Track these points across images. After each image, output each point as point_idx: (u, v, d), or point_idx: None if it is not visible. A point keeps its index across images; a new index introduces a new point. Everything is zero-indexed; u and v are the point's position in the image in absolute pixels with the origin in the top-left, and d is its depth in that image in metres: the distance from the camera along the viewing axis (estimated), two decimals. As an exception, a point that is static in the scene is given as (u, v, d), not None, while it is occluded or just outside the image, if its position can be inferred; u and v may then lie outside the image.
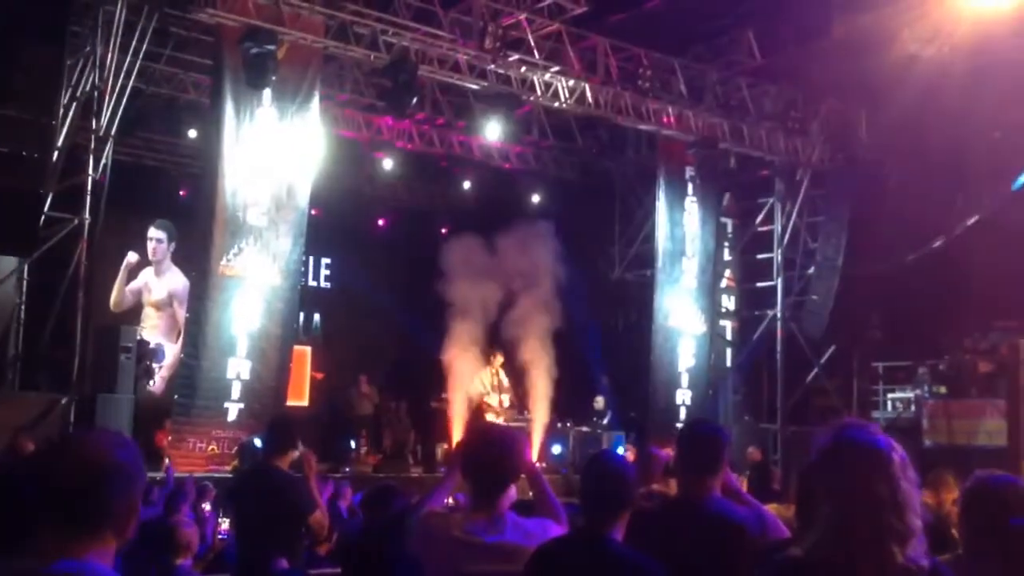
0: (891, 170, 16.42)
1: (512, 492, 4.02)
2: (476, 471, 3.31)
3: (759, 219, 17.92)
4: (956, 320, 15.67)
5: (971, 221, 15.57)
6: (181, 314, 13.15)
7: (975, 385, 14.79)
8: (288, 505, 5.48)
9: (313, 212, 13.02)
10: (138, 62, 12.08)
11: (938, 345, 15.71)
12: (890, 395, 16.54)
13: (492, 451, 3.28)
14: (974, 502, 3.07)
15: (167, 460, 10.72)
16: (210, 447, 11.48)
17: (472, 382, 14.78)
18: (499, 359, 15.08)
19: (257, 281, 11.91)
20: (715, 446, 3.61)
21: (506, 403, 15.06)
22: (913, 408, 15.74)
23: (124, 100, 12.01)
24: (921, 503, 2.41)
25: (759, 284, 17.83)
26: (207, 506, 8.89)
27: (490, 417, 14.40)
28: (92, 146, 11.79)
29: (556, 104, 14.58)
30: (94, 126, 11.84)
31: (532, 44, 13.62)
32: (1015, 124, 14.54)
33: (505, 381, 15.09)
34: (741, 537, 3.38)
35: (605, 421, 16.33)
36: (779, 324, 17.08)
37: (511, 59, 13.48)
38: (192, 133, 15.07)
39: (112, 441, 1.98)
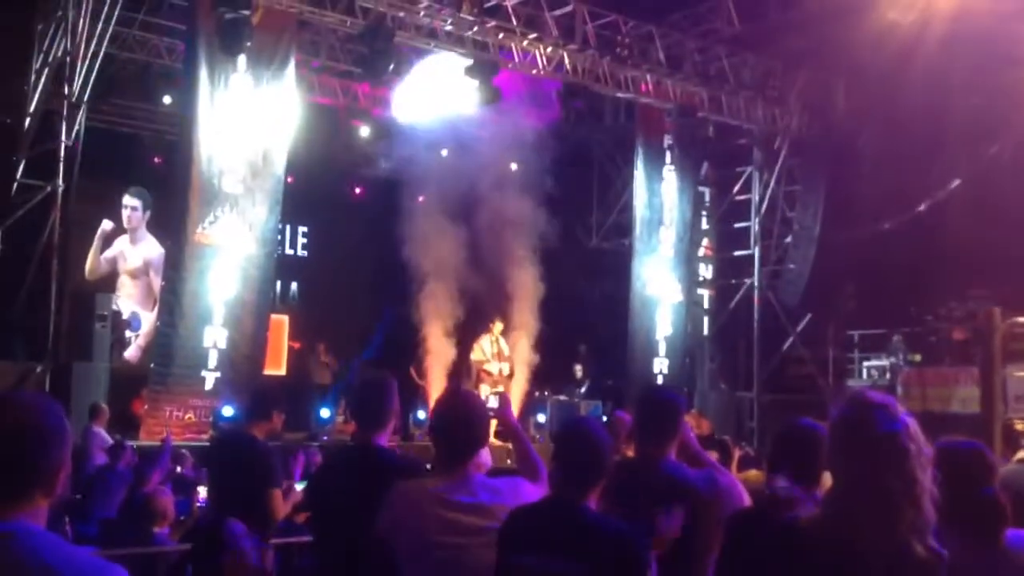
0: (868, 138, 16.46)
1: (485, 457, 4.04)
2: (444, 436, 3.33)
3: (737, 188, 17.95)
4: (932, 288, 15.78)
5: (948, 189, 15.65)
6: (157, 282, 13.09)
7: (949, 353, 14.93)
8: (258, 474, 5.47)
9: (289, 180, 12.93)
10: (110, 27, 11.92)
11: (913, 313, 15.83)
12: (865, 363, 16.67)
13: (459, 416, 3.30)
14: (942, 470, 3.07)
15: (166, 430, 10.63)
16: (187, 415, 11.44)
17: (472, 349, 14.48)
18: (499, 326, 14.73)
19: (233, 249, 11.84)
20: (670, 411, 3.68)
21: (506, 371, 14.65)
22: (888, 376, 15.87)
23: (97, 66, 11.86)
24: None
25: (736, 253, 17.89)
26: (180, 471, 8.89)
27: (486, 387, 14.06)
28: (65, 112, 11.66)
29: (534, 71, 14.51)
30: (67, 92, 11.69)
31: (510, 11, 13.54)
32: (991, 91, 14.58)
33: (506, 349, 14.74)
34: (690, 499, 3.40)
35: (583, 389, 16.41)
36: (756, 293, 17.16)
37: (488, 25, 13.39)
38: (167, 99, 14.91)
39: (30, 404, 1.97)
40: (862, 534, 2.22)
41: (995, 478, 2.98)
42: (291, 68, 12.47)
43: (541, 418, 15.43)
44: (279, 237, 13.76)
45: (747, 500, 3.50)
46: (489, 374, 14.47)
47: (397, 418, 4.00)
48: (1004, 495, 3.26)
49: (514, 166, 18.19)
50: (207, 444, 10.48)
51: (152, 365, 11.80)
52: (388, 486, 3.35)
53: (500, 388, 14.07)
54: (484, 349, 14.53)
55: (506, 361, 14.60)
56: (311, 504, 4.26)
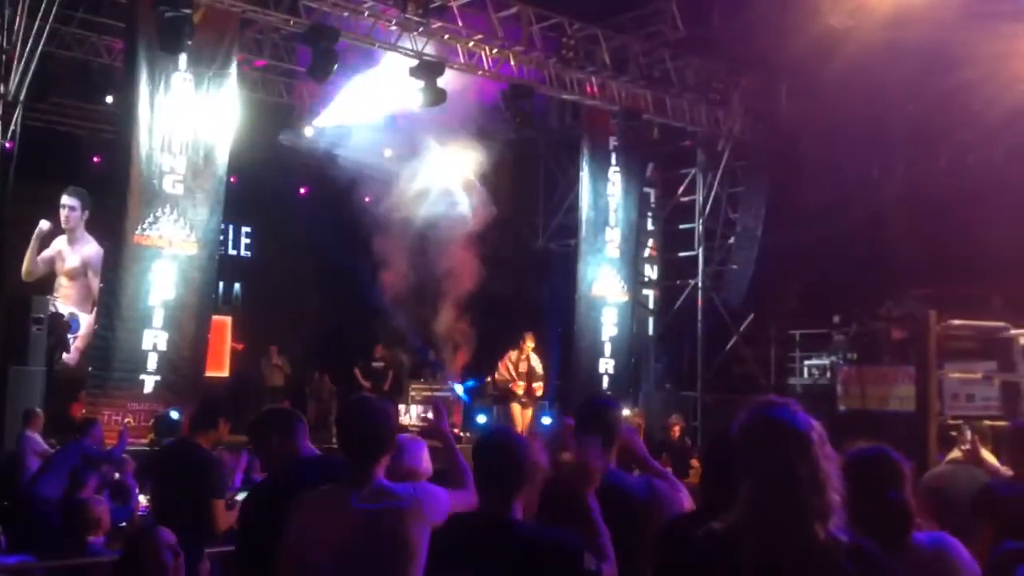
0: (810, 142, 16.69)
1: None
2: (348, 441, 3.35)
3: (681, 189, 18.10)
4: (872, 289, 16.06)
5: (887, 192, 15.92)
6: (95, 283, 12.88)
7: (888, 352, 15.18)
8: (201, 484, 5.43)
9: (232, 179, 12.80)
10: (48, 25, 11.69)
11: (853, 313, 16.08)
12: (806, 362, 16.89)
13: (362, 422, 3.31)
14: (850, 475, 3.12)
15: (122, 425, 10.43)
16: (126, 419, 11.27)
17: (497, 368, 13.77)
18: (530, 343, 13.89)
19: (173, 250, 11.69)
20: (607, 418, 3.71)
21: (538, 391, 13.82)
22: (828, 374, 16.10)
23: (34, 64, 11.62)
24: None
25: (681, 254, 18.04)
26: (118, 476, 8.76)
27: (515, 407, 13.52)
28: (1, 111, 11.40)
29: (479, 73, 14.50)
30: (3, 91, 11.43)
31: (455, 12, 13.52)
32: (929, 98, 14.87)
33: (538, 367, 13.84)
34: (627, 504, 3.43)
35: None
36: (700, 293, 17.31)
37: (434, 26, 13.36)
38: (107, 99, 14.68)
39: None
40: (770, 527, 2.29)
41: (903, 481, 3.04)
42: (233, 67, 12.35)
43: (481, 418, 15.44)
44: (221, 238, 13.63)
45: (682, 503, 3.54)
46: (515, 395, 13.74)
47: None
48: (925, 497, 3.34)
49: (459, 166, 18.23)
50: (147, 450, 10.37)
51: (90, 368, 11.61)
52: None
53: (529, 411, 13.66)
54: (510, 368, 13.78)
55: (537, 380, 13.86)
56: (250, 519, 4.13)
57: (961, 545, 3.15)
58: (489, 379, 14.30)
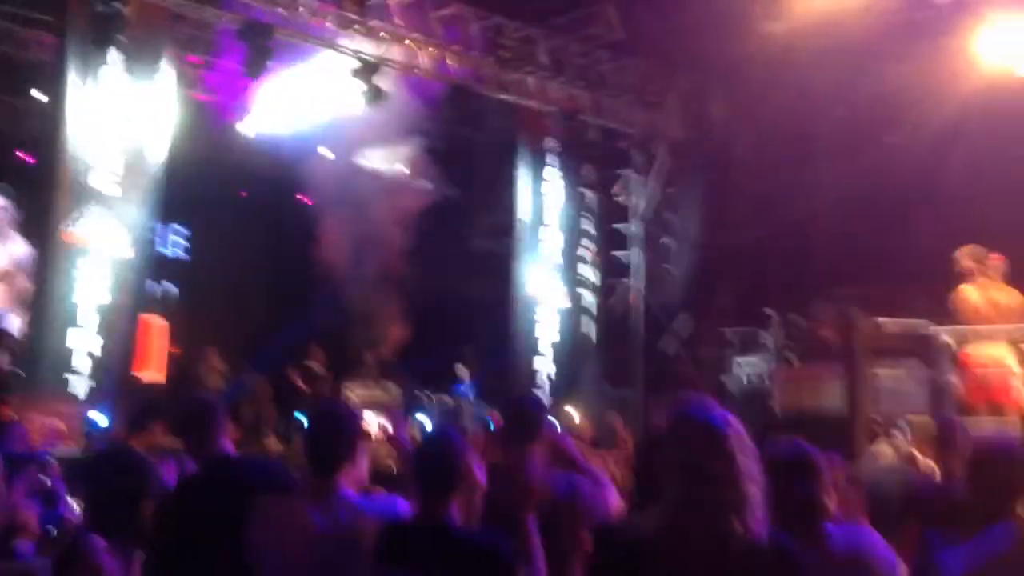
0: (744, 144, 16.93)
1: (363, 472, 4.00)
2: (311, 450, 3.29)
3: (617, 190, 18.23)
4: (804, 289, 16.33)
5: (818, 194, 16.21)
6: (24, 284, 12.58)
7: (819, 352, 15.45)
8: (135, 487, 5.36)
9: (167, 178, 12.60)
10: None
11: (785, 312, 16.35)
12: (740, 359, 17.12)
13: (326, 430, 3.27)
14: (767, 469, 3.19)
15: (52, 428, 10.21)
16: (54, 422, 11.00)
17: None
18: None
19: (104, 250, 11.46)
20: (531, 416, 3.76)
21: None
22: (762, 374, 16.34)
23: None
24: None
25: (617, 254, 18.17)
26: (47, 481, 8.56)
27: None
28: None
29: (416, 72, 14.47)
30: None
31: (392, 11, 13.48)
32: (858, 102, 15.19)
33: None
34: (548, 502, 3.46)
35: (466, 391, 16.44)
36: (637, 293, 17.46)
37: (371, 24, 13.31)
38: (34, 93, 14.36)
39: None
40: (690, 523, 2.35)
41: (816, 476, 3.12)
42: (167, 63, 12.15)
43: (421, 417, 15.39)
44: (155, 238, 13.41)
45: (609, 501, 3.60)
46: None
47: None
48: (855, 494, 3.43)
49: (397, 166, 18.18)
50: (77, 454, 10.16)
51: (18, 370, 11.34)
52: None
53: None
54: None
55: None
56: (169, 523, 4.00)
57: (878, 538, 3.24)
58: None
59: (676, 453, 2.41)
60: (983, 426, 6.52)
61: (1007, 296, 7.54)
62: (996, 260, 7.60)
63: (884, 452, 5.97)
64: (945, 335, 8.33)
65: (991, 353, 7.65)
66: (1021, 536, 2.90)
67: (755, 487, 2.36)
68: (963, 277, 7.65)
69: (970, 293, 7.58)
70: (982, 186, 14.89)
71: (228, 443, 4.01)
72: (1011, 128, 14.64)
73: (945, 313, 10.87)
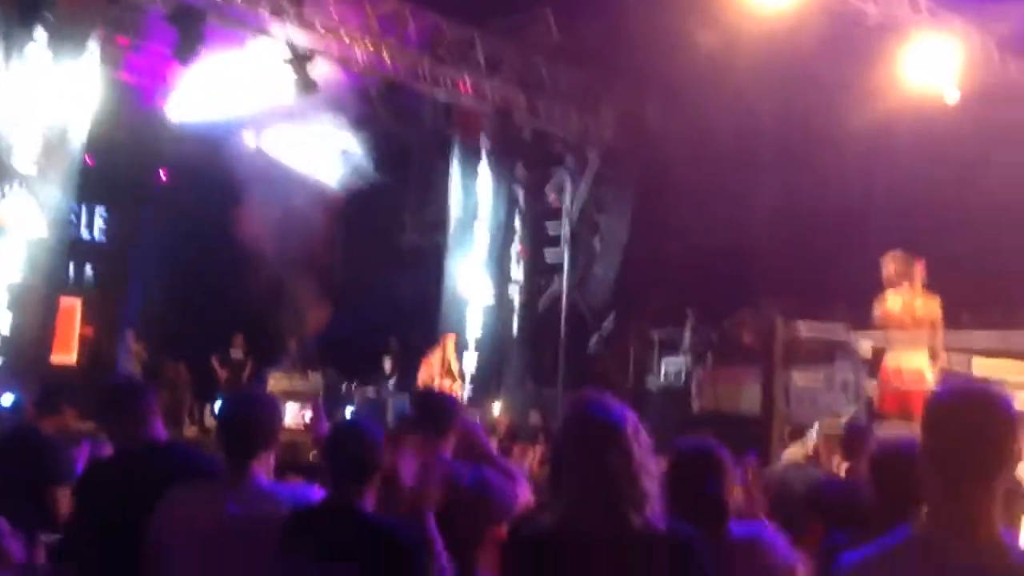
0: (677, 152, 17.11)
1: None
2: (226, 437, 3.25)
3: (549, 192, 18.34)
4: (730, 293, 16.60)
5: (746, 204, 16.49)
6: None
7: (739, 355, 15.71)
8: (41, 470, 5.25)
9: (89, 160, 12.35)
10: None
11: (708, 316, 16.62)
12: (663, 360, 17.33)
13: (242, 417, 3.22)
14: (672, 467, 3.23)
15: None
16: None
17: (420, 367, 13.30)
18: (451, 340, 13.47)
19: (21, 230, 11.20)
20: (441, 409, 3.79)
21: (458, 391, 13.27)
22: (684, 375, 16.57)
23: None
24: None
25: (547, 253, 18.27)
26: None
27: None
28: None
29: (352, 66, 14.36)
30: None
31: (330, 2, 13.37)
32: (793, 115, 15.47)
33: (455, 366, 13.50)
34: (455, 494, 3.48)
35: (391, 383, 16.37)
36: (564, 294, 17.58)
37: (307, 14, 13.18)
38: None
39: None
40: (587, 517, 2.37)
41: (721, 474, 3.16)
42: (94, 44, 11.89)
43: (349, 411, 15.29)
44: (74, 219, 13.14)
45: (522, 502, 3.63)
46: None
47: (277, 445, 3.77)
48: (763, 494, 3.49)
49: (329, 158, 18.03)
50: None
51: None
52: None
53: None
54: (433, 367, 13.31)
55: (457, 380, 13.51)
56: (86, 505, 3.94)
57: (779, 537, 3.30)
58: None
59: (573, 448, 2.43)
60: (896, 433, 6.68)
61: (925, 305, 7.72)
62: (920, 267, 7.77)
63: (796, 454, 6.09)
64: (863, 341, 8.53)
65: (908, 362, 7.82)
66: (915, 536, 2.98)
67: (652, 481, 2.40)
68: (887, 283, 7.80)
69: (893, 301, 7.73)
70: (909, 199, 15.31)
71: (160, 427, 3.87)
72: (936, 144, 15.09)
73: (868, 322, 11.17)
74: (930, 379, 7.67)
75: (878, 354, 8.12)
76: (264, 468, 3.24)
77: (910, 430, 7.24)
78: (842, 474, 5.54)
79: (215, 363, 14.82)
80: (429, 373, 13.17)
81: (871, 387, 8.67)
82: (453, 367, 13.41)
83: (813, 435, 7.56)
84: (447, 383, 13.09)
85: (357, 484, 2.99)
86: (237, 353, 15.39)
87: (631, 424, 2.45)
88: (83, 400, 6.02)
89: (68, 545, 3.95)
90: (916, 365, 7.75)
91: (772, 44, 12.60)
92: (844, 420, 7.85)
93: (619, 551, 2.37)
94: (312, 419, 4.04)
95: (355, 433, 3.12)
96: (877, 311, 7.89)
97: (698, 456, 3.18)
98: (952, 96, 12.53)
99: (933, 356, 7.80)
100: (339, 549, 2.86)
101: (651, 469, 2.46)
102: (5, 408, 10.06)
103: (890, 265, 7.79)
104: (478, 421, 5.66)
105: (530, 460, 11.54)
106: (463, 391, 13.57)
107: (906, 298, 7.74)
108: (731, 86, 14.05)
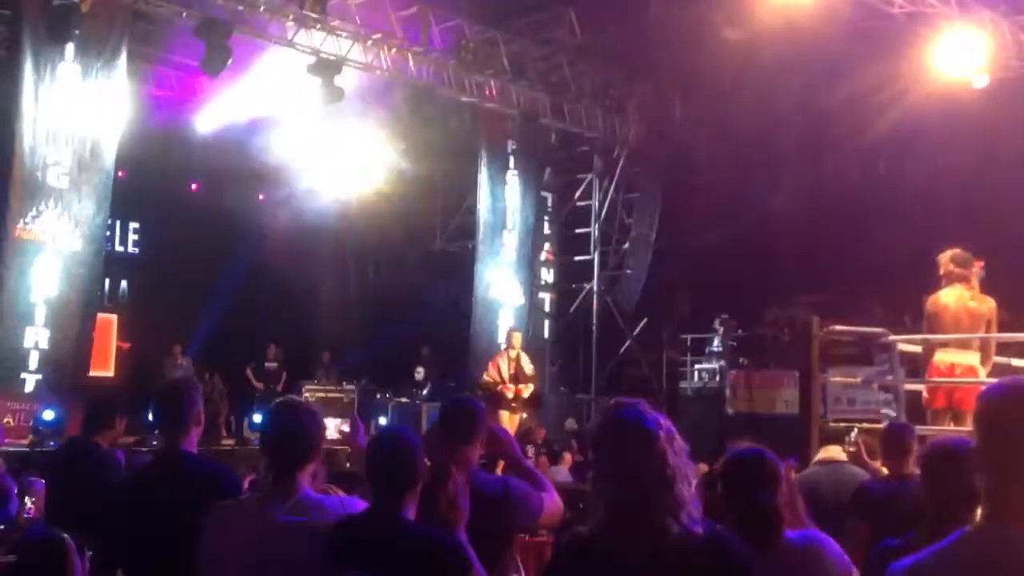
0: (702, 151, 17.06)
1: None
2: (270, 449, 3.23)
3: (578, 194, 18.31)
4: (760, 294, 16.50)
5: (775, 201, 16.38)
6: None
7: (774, 356, 15.60)
8: (101, 483, 5.28)
9: (120, 174, 12.47)
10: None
11: (739, 318, 16.52)
12: (697, 366, 17.25)
13: (286, 428, 3.20)
14: (725, 476, 3.21)
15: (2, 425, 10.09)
16: (4, 419, 10.86)
17: (486, 369, 12.46)
18: (517, 338, 12.59)
19: (57, 246, 11.33)
20: (467, 418, 3.76)
21: (526, 394, 12.29)
22: (717, 378, 16.47)
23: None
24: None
25: (577, 258, 18.24)
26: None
27: (503, 414, 11.87)
28: None
29: (378, 73, 14.41)
30: None
31: (354, 10, 13.41)
32: (817, 111, 15.36)
33: (528, 368, 12.45)
34: (480, 503, 3.44)
35: (425, 392, 16.40)
36: (595, 297, 17.53)
37: (332, 24, 13.23)
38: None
39: None
40: (625, 524, 2.35)
41: (775, 483, 3.12)
42: (123, 59, 12.01)
43: (383, 421, 15.32)
44: (108, 233, 13.27)
45: (548, 512, 3.61)
46: (504, 399, 12.15)
47: (200, 424, 3.80)
48: (795, 497, 3.44)
49: (359, 167, 18.07)
50: (26, 449, 10.02)
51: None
52: (197, 495, 3.24)
53: (518, 416, 12.25)
54: (501, 369, 12.29)
55: (527, 382, 12.40)
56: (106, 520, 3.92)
57: (832, 541, 3.25)
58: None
59: (607, 455, 2.42)
60: (946, 434, 6.59)
61: (980, 303, 7.59)
62: (979, 267, 7.64)
63: (837, 455, 5.99)
64: (906, 343, 8.41)
65: (961, 361, 7.69)
66: (970, 536, 2.91)
67: (688, 487, 2.37)
68: (944, 281, 7.66)
69: (948, 298, 7.60)
70: (939, 193, 15.16)
71: (195, 436, 3.83)
72: (966, 136, 14.92)
73: (900, 321, 11.01)
74: (983, 376, 7.54)
75: (927, 352, 7.98)
76: (309, 479, 3.23)
77: (956, 428, 7.15)
78: (881, 473, 5.45)
79: (250, 374, 14.90)
80: (494, 377, 12.28)
81: (916, 388, 8.54)
82: (526, 368, 12.39)
83: (853, 436, 7.45)
84: (512, 387, 12.18)
85: (399, 493, 2.98)
86: (272, 364, 15.47)
87: (664, 430, 2.44)
88: (133, 416, 6.10)
89: (107, 558, 3.95)
90: (968, 362, 7.62)
91: (798, 37, 12.52)
92: (884, 421, 7.76)
93: (657, 557, 2.35)
94: (351, 431, 4.02)
95: (396, 442, 3.11)
96: (929, 308, 7.75)
97: (749, 464, 3.15)
98: (980, 81, 12.36)
99: (986, 355, 7.66)
100: (384, 558, 2.86)
101: (687, 474, 2.44)
102: (47, 423, 10.17)
103: (948, 263, 7.64)
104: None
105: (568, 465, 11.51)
106: (533, 395, 12.53)
107: (962, 296, 7.60)
108: (756, 82, 13.98)
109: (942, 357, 7.68)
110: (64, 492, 5.59)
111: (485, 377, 12.38)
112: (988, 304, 7.57)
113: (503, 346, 13.21)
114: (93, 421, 5.65)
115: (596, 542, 2.42)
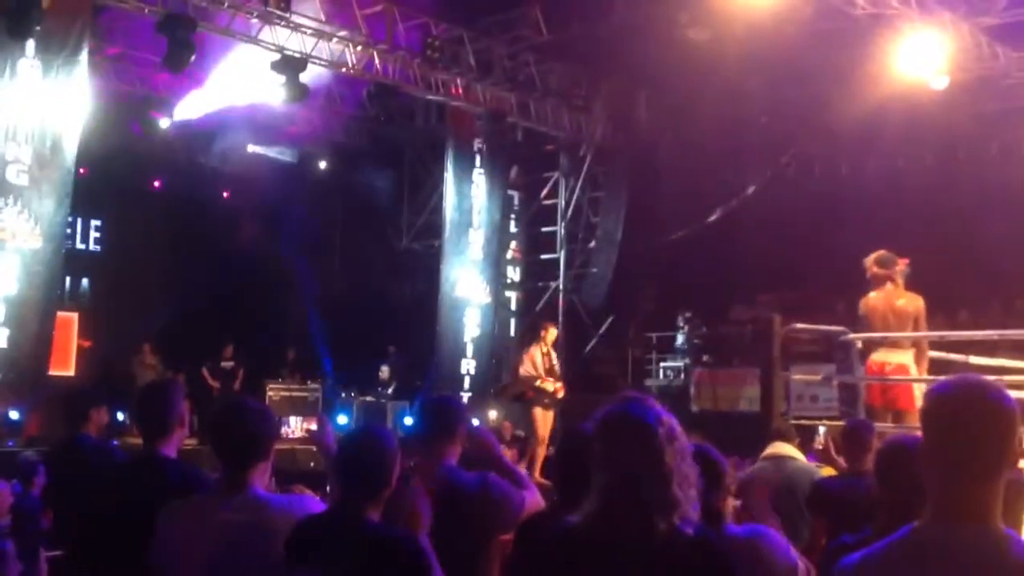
0: (667, 149, 17.15)
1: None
2: (220, 447, 3.21)
3: (544, 193, 18.34)
4: (724, 293, 16.64)
5: (739, 199, 16.52)
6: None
7: (737, 354, 15.73)
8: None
9: (81, 171, 12.33)
10: None
11: (702, 316, 16.64)
12: (662, 363, 17.35)
13: (239, 425, 3.18)
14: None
15: None
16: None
17: (522, 362, 11.51)
18: (552, 332, 11.75)
19: (16, 243, 11.16)
20: (445, 416, 3.75)
21: (560, 392, 11.50)
22: (682, 376, 16.58)
23: None
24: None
25: (543, 256, 18.27)
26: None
27: (537, 411, 11.30)
28: None
29: (343, 70, 14.36)
30: None
31: (319, 7, 13.35)
32: (779, 109, 15.49)
33: (557, 364, 11.70)
34: (459, 501, 3.45)
35: (390, 391, 16.35)
36: (561, 295, 17.56)
37: (296, 20, 13.16)
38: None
39: None
40: (614, 519, 2.36)
41: (717, 479, 3.14)
42: (84, 55, 11.86)
43: (342, 419, 15.26)
44: (69, 231, 13.12)
45: (529, 511, 3.59)
46: (544, 392, 11.39)
47: (183, 425, 3.81)
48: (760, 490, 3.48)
49: (323, 164, 18.00)
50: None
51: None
52: (166, 500, 3.22)
53: (551, 413, 11.55)
54: (536, 363, 11.39)
55: (559, 379, 11.60)
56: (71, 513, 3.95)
57: (777, 535, 3.28)
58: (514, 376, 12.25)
59: (604, 448, 2.42)
60: (887, 432, 6.69)
61: (907, 302, 7.73)
62: (902, 265, 7.78)
63: (783, 451, 6.04)
64: (858, 341, 8.51)
65: (895, 360, 7.82)
66: (916, 533, 2.95)
67: (686, 487, 2.36)
68: (872, 283, 7.82)
69: (876, 300, 7.75)
70: (900, 191, 15.35)
71: (177, 438, 3.77)
72: (926, 136, 15.11)
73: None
74: (915, 374, 7.68)
75: (865, 352, 8.12)
76: (261, 478, 3.20)
77: (901, 430, 7.25)
78: (841, 470, 5.52)
79: (206, 373, 14.77)
80: (531, 371, 11.37)
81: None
82: (555, 363, 11.65)
83: (820, 434, 7.50)
84: (549, 385, 11.38)
85: (364, 494, 2.95)
86: (228, 363, 15.28)
87: (666, 428, 2.42)
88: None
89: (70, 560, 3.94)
90: (899, 361, 7.75)
91: (762, 37, 12.62)
92: (840, 418, 7.88)
93: (642, 555, 2.35)
94: (317, 430, 3.99)
95: (368, 443, 3.07)
96: (861, 310, 7.92)
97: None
98: (940, 83, 12.52)
99: (920, 353, 7.80)
100: (342, 559, 2.84)
101: (686, 475, 2.43)
102: (10, 421, 10.09)
103: (872, 265, 7.80)
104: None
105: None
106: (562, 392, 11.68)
107: (889, 297, 7.74)
108: (721, 82, 14.06)
109: (875, 357, 7.83)
110: (65, 479, 5.67)
111: (522, 371, 11.50)
112: (916, 303, 7.72)
113: (519, 339, 12.60)
114: (72, 416, 5.72)
115: (584, 533, 2.42)
